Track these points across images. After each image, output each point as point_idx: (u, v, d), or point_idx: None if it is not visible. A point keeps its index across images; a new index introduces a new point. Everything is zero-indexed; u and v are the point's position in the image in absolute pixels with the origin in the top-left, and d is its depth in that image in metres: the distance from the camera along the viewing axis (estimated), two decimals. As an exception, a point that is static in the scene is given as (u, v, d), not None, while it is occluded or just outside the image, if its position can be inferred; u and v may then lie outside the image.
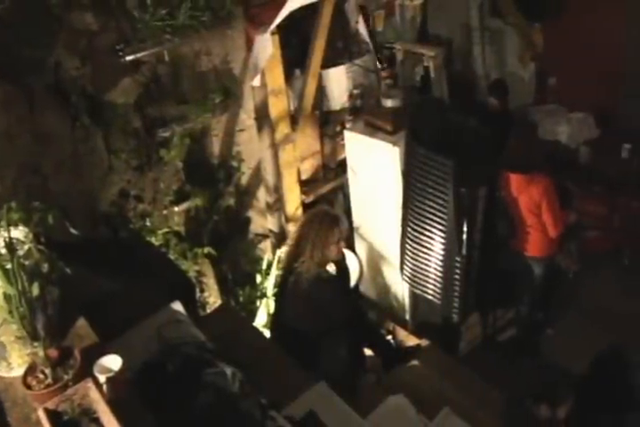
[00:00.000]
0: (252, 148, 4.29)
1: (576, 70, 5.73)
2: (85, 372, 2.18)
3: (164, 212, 3.77)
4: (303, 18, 4.42)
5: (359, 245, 4.73)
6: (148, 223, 3.70)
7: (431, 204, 3.91)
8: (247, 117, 4.29)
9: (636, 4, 5.64)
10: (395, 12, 5.63)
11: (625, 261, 5.32)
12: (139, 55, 3.51)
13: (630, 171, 5.19)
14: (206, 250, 3.74)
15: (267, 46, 4.10)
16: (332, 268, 3.44)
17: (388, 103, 4.37)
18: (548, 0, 5.89)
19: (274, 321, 3.61)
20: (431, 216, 3.92)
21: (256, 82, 4.20)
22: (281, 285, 3.49)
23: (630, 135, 5.33)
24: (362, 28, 5.17)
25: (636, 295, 5.14)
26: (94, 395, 2.14)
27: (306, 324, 3.31)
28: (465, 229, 3.88)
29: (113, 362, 2.25)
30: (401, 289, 4.51)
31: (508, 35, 6.05)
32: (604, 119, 5.66)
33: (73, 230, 2.76)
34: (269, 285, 4.04)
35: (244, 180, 4.25)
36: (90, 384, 2.16)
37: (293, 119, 4.49)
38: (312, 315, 3.29)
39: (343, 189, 4.76)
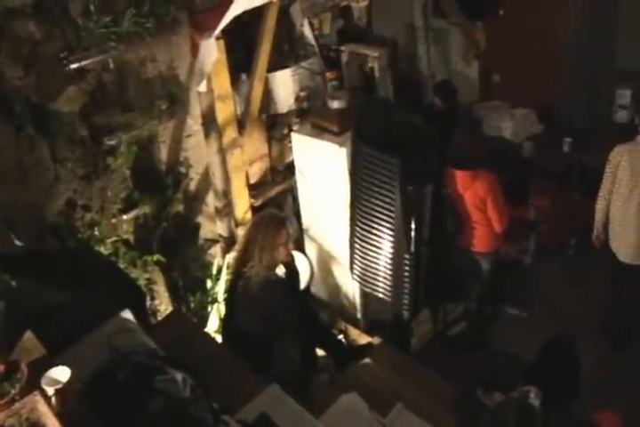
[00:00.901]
0: (199, 153, 4.30)
1: (518, 67, 5.88)
2: (33, 385, 2.18)
3: (113, 220, 3.75)
4: (250, 22, 4.45)
5: (309, 247, 4.77)
6: (96, 233, 3.68)
7: (378, 202, 3.99)
8: (194, 123, 4.29)
9: (577, 6, 5.82)
10: (341, 14, 5.71)
11: (570, 252, 5.47)
12: (83, 63, 3.49)
13: (571, 164, 5.33)
14: (155, 257, 3.74)
15: (212, 51, 4.11)
16: (281, 270, 3.48)
17: (334, 105, 4.42)
18: (488, 0, 6.01)
19: (225, 326, 3.63)
20: (379, 215, 3.99)
21: (202, 87, 4.20)
22: (230, 289, 3.51)
23: (570, 129, 5.49)
24: (307, 31, 5.22)
25: (580, 285, 5.31)
26: (42, 408, 2.14)
27: (256, 327, 3.33)
28: (413, 226, 3.96)
29: (61, 374, 2.25)
30: (352, 288, 4.56)
31: (452, 34, 6.17)
32: (545, 114, 5.80)
33: (18, 242, 2.75)
34: (220, 290, 4.05)
35: (193, 185, 4.25)
36: (38, 397, 2.16)
37: (240, 123, 4.51)
38: (262, 318, 3.32)
39: (292, 192, 4.79)
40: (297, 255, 4.49)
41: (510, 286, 5.13)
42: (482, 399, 3.14)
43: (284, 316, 3.37)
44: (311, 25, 5.30)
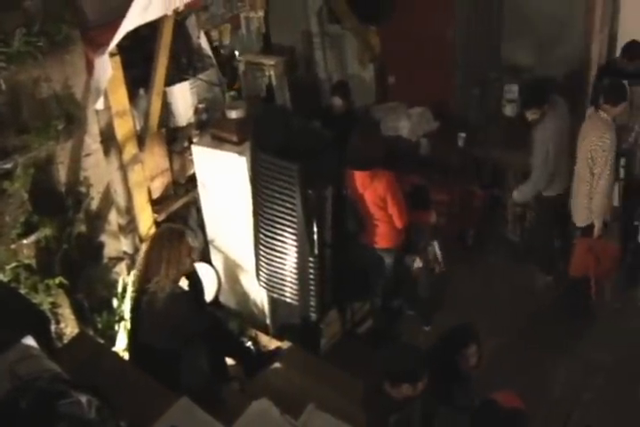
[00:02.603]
0: (99, 171, 4.27)
1: (412, 68, 6.10)
2: None
3: (12, 246, 3.69)
4: (148, 36, 4.44)
5: (215, 257, 4.81)
6: (-6, 260, 3.62)
7: (280, 208, 4.07)
8: (92, 141, 4.26)
9: (464, 3, 6.07)
10: (240, 24, 5.76)
11: (469, 242, 5.71)
12: (-28, 85, 3.44)
13: (466, 158, 5.57)
14: (58, 280, 3.70)
15: (106, 68, 4.08)
16: (184, 282, 3.51)
17: (233, 115, 4.49)
18: (380, 4, 6.19)
19: (131, 343, 3.63)
20: (281, 220, 4.07)
21: (99, 105, 4.17)
22: (135, 306, 3.53)
23: (464, 125, 5.73)
24: (204, 43, 5.26)
25: (480, 275, 5.56)
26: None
27: (163, 341, 3.35)
28: (315, 229, 4.06)
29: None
30: (260, 295, 4.63)
31: (347, 39, 6.34)
32: (441, 112, 6.04)
33: None
34: (126, 308, 4.06)
35: (94, 204, 4.22)
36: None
37: (140, 139, 4.51)
38: (169, 331, 3.34)
39: (196, 204, 4.82)
40: (203, 266, 4.55)
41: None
42: (389, 392, 3.24)
43: (190, 328, 3.40)
44: (208, 36, 5.36)
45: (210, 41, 5.36)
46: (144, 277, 3.41)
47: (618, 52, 5.97)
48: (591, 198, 4.70)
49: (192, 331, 3.40)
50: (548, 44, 6.10)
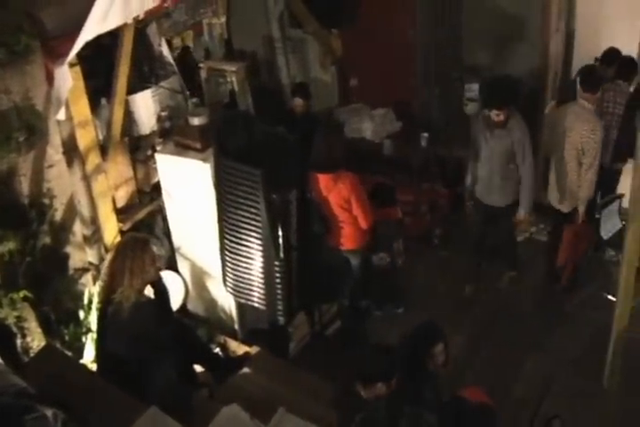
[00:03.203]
0: (63, 183, 4.25)
1: (374, 69, 6.16)
2: None
3: (-25, 263, 3.66)
4: (110, 45, 4.42)
5: (182, 265, 4.81)
6: (-45, 277, 3.58)
7: (245, 214, 4.10)
8: (55, 152, 4.23)
9: (425, 7, 6.14)
10: (203, 31, 5.78)
11: (435, 241, 5.78)
12: None
13: (429, 157, 5.64)
14: (22, 293, 3.67)
15: (66, 78, 4.05)
16: (150, 290, 3.51)
17: (195, 121, 4.49)
18: (341, 7, 6.24)
19: (98, 354, 3.62)
20: (246, 226, 4.10)
21: (61, 115, 4.14)
22: (101, 317, 3.52)
23: (427, 125, 5.80)
24: (165, 51, 5.26)
25: (446, 273, 5.64)
26: None
27: (130, 351, 3.34)
28: (280, 233, 4.09)
29: None
30: (227, 301, 4.64)
31: (309, 43, 6.38)
32: (403, 112, 6.11)
33: None
34: (93, 319, 4.04)
35: (58, 216, 4.19)
36: None
37: (103, 148, 4.49)
38: (135, 341, 3.32)
39: (161, 212, 4.81)
40: (170, 274, 4.54)
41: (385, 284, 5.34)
42: (361, 393, 3.26)
43: (157, 336, 3.39)
44: (169, 44, 5.36)
45: (172, 48, 5.38)
46: (109, 287, 3.40)
47: (575, 50, 6.12)
48: (579, 186, 4.96)
49: (158, 340, 3.39)
50: (507, 43, 6.20)
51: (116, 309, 3.35)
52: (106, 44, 4.38)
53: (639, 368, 4.51)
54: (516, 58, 6.20)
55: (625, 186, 5.00)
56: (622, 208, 5.28)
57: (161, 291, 3.59)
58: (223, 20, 5.91)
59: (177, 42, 5.53)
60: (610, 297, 4.82)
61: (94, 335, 3.86)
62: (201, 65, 5.47)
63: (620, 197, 5.36)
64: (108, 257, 3.57)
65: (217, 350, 4.30)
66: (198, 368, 3.98)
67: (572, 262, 5.37)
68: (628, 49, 5.62)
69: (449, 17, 6.32)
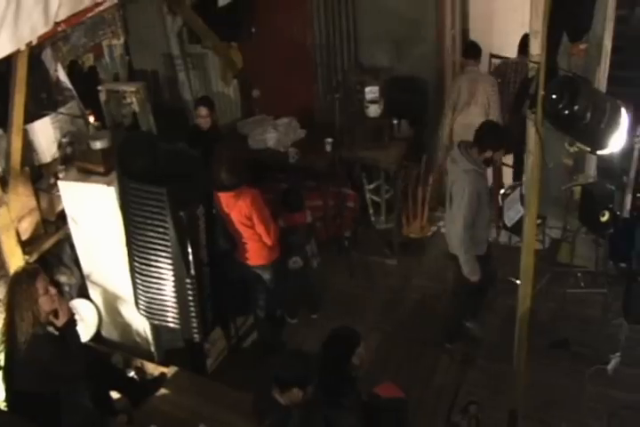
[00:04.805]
0: (-38, 219, 4.19)
1: (275, 79, 6.26)
2: None
3: None
4: (3, 73, 4.35)
5: (93, 292, 4.77)
6: None
7: (153, 234, 4.10)
8: (-49, 189, 4.17)
9: (320, 11, 6.27)
10: (103, 53, 5.76)
11: (345, 244, 5.90)
12: None
13: (334, 162, 5.74)
14: None
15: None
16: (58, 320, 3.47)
17: (98, 145, 4.47)
18: (239, 20, 6.31)
19: (7, 393, 3.56)
20: (155, 246, 4.10)
21: (-45, 148, 4.10)
22: (6, 355, 3.47)
23: (330, 130, 5.90)
24: (62, 76, 5.22)
25: (358, 274, 5.77)
26: None
27: (38, 386, 3.31)
28: (189, 250, 4.11)
29: None
30: (142, 324, 4.62)
31: (209, 57, 6.43)
32: (307, 119, 6.21)
33: None
34: (2, 357, 3.97)
35: (-40, 254, 4.15)
36: None
37: (3, 180, 4.42)
38: (39, 375, 3.30)
39: (68, 240, 4.76)
40: (82, 302, 4.51)
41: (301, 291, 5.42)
42: (279, 399, 3.29)
43: (60, 368, 3.36)
44: (69, 68, 5.32)
45: (72, 72, 5.34)
46: (9, 322, 3.36)
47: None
48: None
49: (64, 372, 3.36)
50: (404, 44, 6.38)
51: (17, 344, 3.30)
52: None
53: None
54: (413, 58, 6.40)
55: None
56: (524, 196, 5.51)
57: (67, 321, 3.54)
58: (123, 40, 5.93)
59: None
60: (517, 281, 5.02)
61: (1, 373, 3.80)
62: (100, 88, 5.46)
63: (522, 184, 5.60)
64: (4, 292, 3.53)
65: (132, 374, 4.27)
66: (115, 395, 3.95)
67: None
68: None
69: (345, 22, 6.46)
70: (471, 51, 6.20)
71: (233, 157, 4.61)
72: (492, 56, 6.74)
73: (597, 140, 2.96)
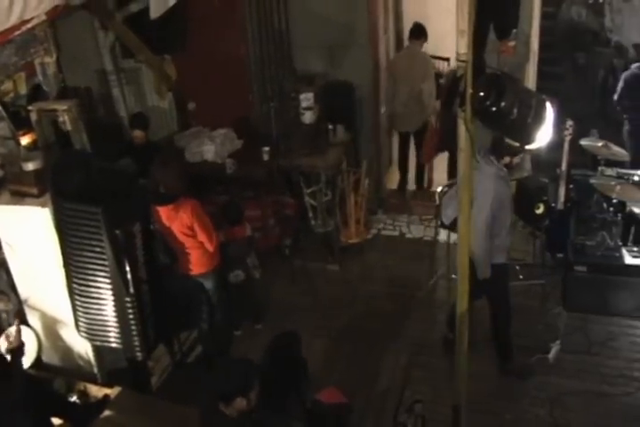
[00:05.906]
0: None
1: (210, 91, 6.27)
2: None
3: None
4: None
5: (32, 317, 4.69)
6: None
7: (89, 254, 4.08)
8: None
9: (253, 21, 6.30)
10: (36, 71, 5.69)
11: (286, 252, 5.95)
12: None
13: (272, 170, 5.79)
14: None
15: None
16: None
17: (30, 166, 4.41)
18: (171, 32, 6.29)
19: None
20: (92, 266, 4.08)
21: None
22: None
23: (267, 139, 5.95)
24: (-11, 97, 5.15)
25: (299, 280, 5.85)
26: None
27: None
28: (127, 268, 4.10)
29: None
30: (83, 346, 4.57)
31: (143, 72, 6.41)
32: (244, 130, 6.24)
33: None
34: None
35: None
36: None
37: None
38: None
39: (4, 265, 4.68)
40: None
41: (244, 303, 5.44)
42: (225, 411, 3.29)
43: (2, 397, 3.33)
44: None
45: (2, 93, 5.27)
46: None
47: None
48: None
49: (2, 401, 3.30)
50: (337, 50, 6.47)
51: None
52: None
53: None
54: (347, 63, 6.48)
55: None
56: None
57: (14, 349, 3.47)
58: (55, 57, 5.86)
59: (8, 86, 5.43)
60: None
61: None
62: (30, 108, 5.39)
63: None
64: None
65: (74, 398, 4.20)
66: (57, 421, 3.89)
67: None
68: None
69: (278, 29, 6.51)
70: (415, 31, 6.74)
71: (168, 171, 4.60)
72: (429, 57, 6.92)
73: (525, 135, 3.01)
